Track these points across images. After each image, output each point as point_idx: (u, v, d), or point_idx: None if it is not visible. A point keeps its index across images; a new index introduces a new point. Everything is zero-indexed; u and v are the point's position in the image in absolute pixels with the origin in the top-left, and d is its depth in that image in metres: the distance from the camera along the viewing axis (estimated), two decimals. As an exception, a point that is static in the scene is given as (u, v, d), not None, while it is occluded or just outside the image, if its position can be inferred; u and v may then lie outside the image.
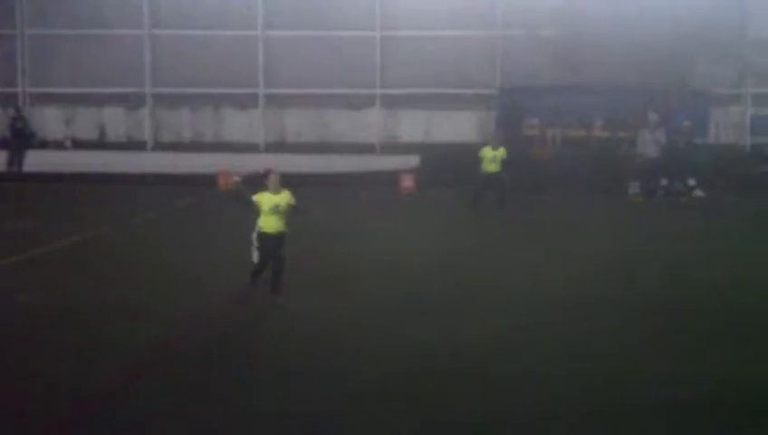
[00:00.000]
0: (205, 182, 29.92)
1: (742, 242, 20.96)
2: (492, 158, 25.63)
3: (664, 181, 27.88)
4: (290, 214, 14.93)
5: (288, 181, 15.52)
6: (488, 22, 33.51)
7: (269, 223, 14.77)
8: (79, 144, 34.84)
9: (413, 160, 31.11)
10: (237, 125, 34.95)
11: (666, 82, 31.16)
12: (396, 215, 25.23)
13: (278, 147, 33.50)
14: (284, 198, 14.80)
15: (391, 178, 29.94)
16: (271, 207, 14.72)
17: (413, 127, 34.14)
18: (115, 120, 35.45)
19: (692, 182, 27.63)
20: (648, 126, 28.44)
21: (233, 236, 19.82)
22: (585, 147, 30.72)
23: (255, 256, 15.00)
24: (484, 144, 26.64)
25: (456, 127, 33.52)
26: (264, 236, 14.78)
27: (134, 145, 34.96)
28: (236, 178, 15.44)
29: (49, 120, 35.40)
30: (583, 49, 31.58)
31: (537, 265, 18.36)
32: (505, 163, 25.55)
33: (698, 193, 27.56)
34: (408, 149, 32.74)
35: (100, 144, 35.05)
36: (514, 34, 33.11)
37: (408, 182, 29.89)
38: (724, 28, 31.73)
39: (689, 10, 31.48)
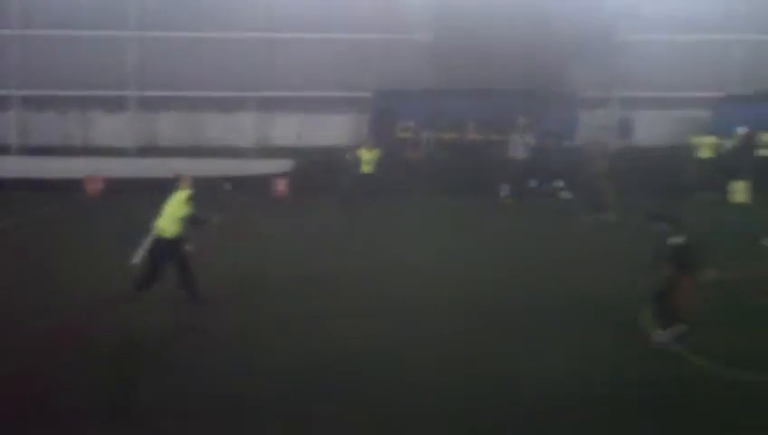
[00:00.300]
0: (72, 188, 29.21)
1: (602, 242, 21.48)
2: (367, 159, 26.59)
3: (533, 183, 28.27)
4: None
5: (156, 186, 15.43)
6: (364, 24, 33.39)
7: (177, 228, 14.64)
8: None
9: (286, 164, 30.86)
10: (107, 129, 34.05)
11: (536, 85, 31.60)
12: (270, 219, 25.11)
13: (149, 151, 32.79)
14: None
15: (264, 182, 29.75)
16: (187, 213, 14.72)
17: (287, 130, 33.82)
18: (-20, 124, 34.25)
19: (559, 184, 28.06)
20: (518, 129, 28.86)
21: (80, 250, 19.59)
22: (458, 149, 30.90)
23: (142, 260, 14.76)
24: (359, 146, 27.34)
25: (330, 130, 33.34)
26: (164, 241, 14.60)
27: (-1, 149, 33.80)
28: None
29: None
30: (457, 52, 31.78)
31: (419, 266, 18.95)
32: (378, 164, 26.21)
33: (566, 195, 28.02)
34: (281, 152, 32.43)
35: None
36: (389, 38, 33.09)
37: (280, 186, 29.70)
38: (593, 32, 32.29)
39: (560, 14, 31.97)
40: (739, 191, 29.00)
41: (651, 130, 32.74)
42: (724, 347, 13.80)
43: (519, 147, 28.58)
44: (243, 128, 33.83)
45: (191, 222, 14.88)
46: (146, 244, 14.85)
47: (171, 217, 14.74)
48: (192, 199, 14.93)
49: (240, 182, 29.34)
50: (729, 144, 30.47)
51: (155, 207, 15.34)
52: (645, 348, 13.76)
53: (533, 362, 13.04)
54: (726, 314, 15.65)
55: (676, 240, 13.87)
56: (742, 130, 30.77)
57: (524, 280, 17.65)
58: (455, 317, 15.08)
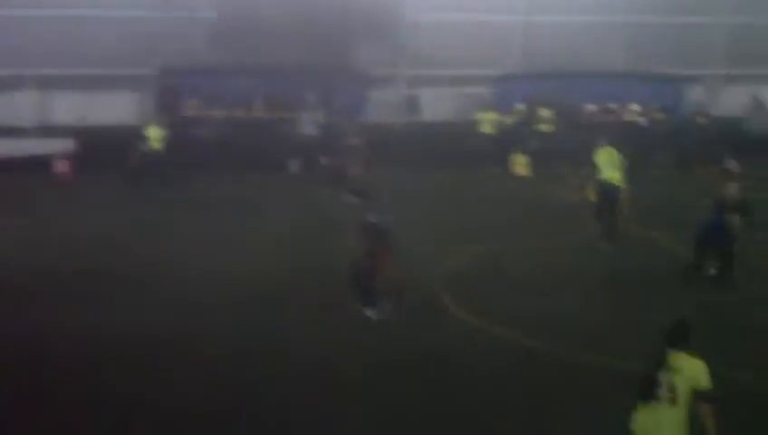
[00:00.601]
0: None
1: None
2: (156, 136, 26.58)
3: (324, 160, 28.31)
4: None
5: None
6: (148, 1, 32.44)
7: None
8: None
9: (68, 144, 29.64)
10: None
11: (325, 62, 31.69)
12: (52, 201, 24.22)
13: None
14: None
15: (44, 162, 28.56)
16: None
17: (69, 109, 32.46)
18: None
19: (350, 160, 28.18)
20: (307, 106, 28.94)
21: None
22: (246, 127, 30.59)
23: None
24: (146, 124, 27.35)
25: (114, 109, 32.20)
26: None
27: None
28: None
29: None
30: (244, 29, 31.48)
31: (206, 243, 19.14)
32: (164, 143, 26.21)
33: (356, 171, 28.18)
34: (63, 132, 31.09)
35: None
36: (174, 15, 32.32)
37: (62, 167, 28.61)
38: (382, 11, 32.65)
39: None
40: (519, 165, 30.11)
41: (437, 106, 33.42)
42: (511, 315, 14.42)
43: (308, 123, 28.65)
44: (21, 107, 32.24)
45: None
46: None
47: None
48: None
49: (18, 163, 27.97)
50: (510, 120, 31.59)
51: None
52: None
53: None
54: (496, 286, 16.33)
55: (372, 218, 14.06)
56: (521, 106, 31.97)
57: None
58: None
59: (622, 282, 16.75)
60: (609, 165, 19.46)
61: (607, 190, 19.27)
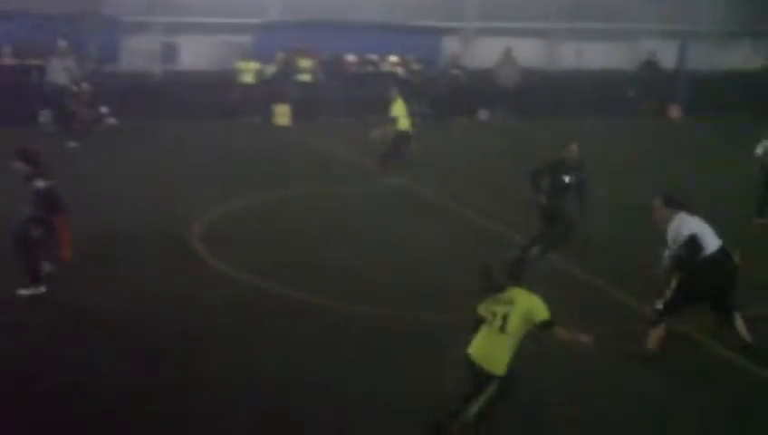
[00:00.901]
0: None
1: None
2: None
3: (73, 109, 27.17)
4: None
5: None
6: None
7: None
8: None
9: None
10: None
11: (75, 8, 30.33)
12: None
13: None
14: None
15: None
16: None
17: None
18: None
19: (104, 110, 27.21)
20: (58, 53, 27.72)
21: None
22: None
23: None
24: None
25: None
26: None
27: None
28: None
29: None
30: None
31: None
32: None
33: (111, 121, 27.28)
34: None
35: None
36: None
37: None
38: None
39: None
40: (282, 115, 30.11)
41: (196, 55, 32.72)
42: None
43: (59, 71, 27.43)
44: None
45: None
46: None
47: None
48: None
49: None
50: (270, 69, 31.37)
51: None
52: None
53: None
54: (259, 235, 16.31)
55: (40, 184, 12.60)
56: (281, 56, 31.80)
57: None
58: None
59: (384, 231, 17.01)
60: (403, 115, 22.35)
61: (402, 138, 22.33)
